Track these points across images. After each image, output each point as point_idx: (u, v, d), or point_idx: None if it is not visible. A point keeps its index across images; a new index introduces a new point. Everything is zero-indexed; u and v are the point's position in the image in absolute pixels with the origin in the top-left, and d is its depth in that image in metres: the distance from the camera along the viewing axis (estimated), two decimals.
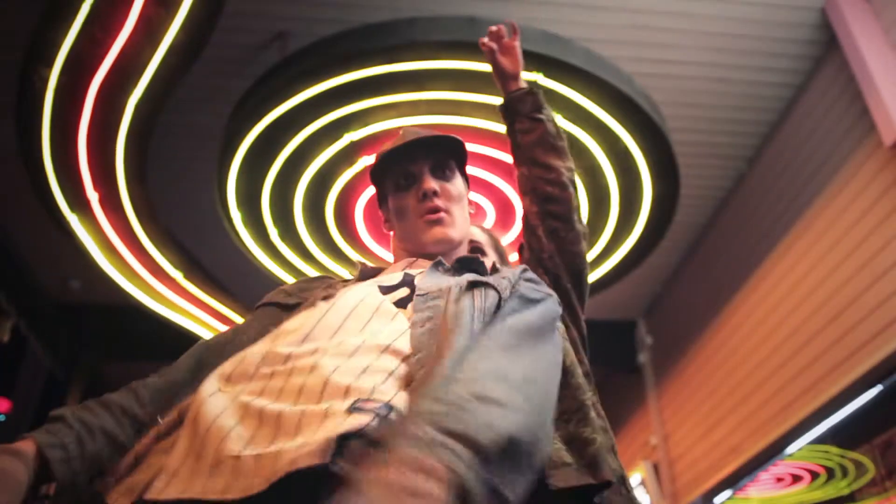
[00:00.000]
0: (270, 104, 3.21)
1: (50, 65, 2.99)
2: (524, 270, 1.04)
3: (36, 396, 5.54)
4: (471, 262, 1.10)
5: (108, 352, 5.89)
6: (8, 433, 5.25)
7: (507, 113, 1.60)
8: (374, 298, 0.95)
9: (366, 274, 1.12)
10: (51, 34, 2.91)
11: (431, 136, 1.17)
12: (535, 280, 1.03)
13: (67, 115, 3.20)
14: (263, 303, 1.12)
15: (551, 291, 1.02)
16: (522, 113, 1.56)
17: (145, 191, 3.73)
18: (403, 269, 1.08)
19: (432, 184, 1.14)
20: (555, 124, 1.57)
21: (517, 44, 1.65)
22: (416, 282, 1.00)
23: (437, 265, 1.07)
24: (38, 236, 4.72)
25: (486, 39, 1.63)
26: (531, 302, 0.94)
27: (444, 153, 1.19)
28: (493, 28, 1.65)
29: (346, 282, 1.13)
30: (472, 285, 0.94)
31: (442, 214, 1.14)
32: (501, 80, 1.64)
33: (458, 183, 1.19)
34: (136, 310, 4.62)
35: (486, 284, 0.94)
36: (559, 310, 1.00)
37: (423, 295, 0.95)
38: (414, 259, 1.13)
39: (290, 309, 1.06)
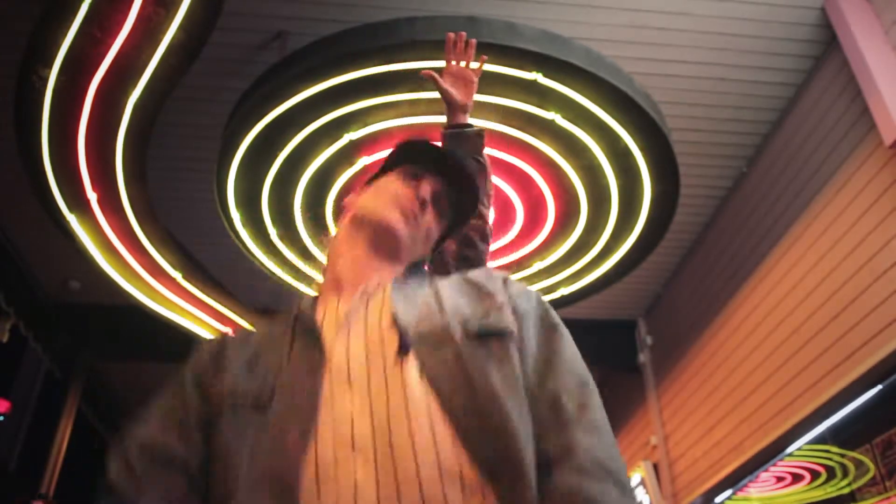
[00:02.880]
0: (270, 104, 3.21)
1: (49, 65, 2.98)
2: (505, 280, 0.98)
3: (35, 397, 5.53)
4: (416, 268, 1.06)
5: (106, 352, 5.88)
6: (7, 433, 5.24)
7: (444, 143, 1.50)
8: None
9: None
10: (50, 34, 2.91)
11: (470, 181, 1.12)
12: (525, 290, 0.97)
13: (66, 115, 3.19)
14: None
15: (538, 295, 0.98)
16: (462, 151, 1.46)
17: (145, 191, 3.72)
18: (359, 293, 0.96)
19: (427, 197, 1.08)
20: (484, 167, 1.51)
21: (475, 78, 1.54)
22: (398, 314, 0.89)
23: (395, 282, 0.98)
24: (38, 236, 4.72)
25: (430, 70, 1.51)
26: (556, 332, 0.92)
27: (459, 198, 1.13)
28: (453, 36, 1.51)
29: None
30: (483, 336, 0.86)
31: (411, 216, 1.06)
32: (449, 108, 1.52)
33: (432, 223, 1.10)
34: (135, 310, 4.61)
35: (500, 334, 0.87)
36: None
37: (423, 347, 0.85)
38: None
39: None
